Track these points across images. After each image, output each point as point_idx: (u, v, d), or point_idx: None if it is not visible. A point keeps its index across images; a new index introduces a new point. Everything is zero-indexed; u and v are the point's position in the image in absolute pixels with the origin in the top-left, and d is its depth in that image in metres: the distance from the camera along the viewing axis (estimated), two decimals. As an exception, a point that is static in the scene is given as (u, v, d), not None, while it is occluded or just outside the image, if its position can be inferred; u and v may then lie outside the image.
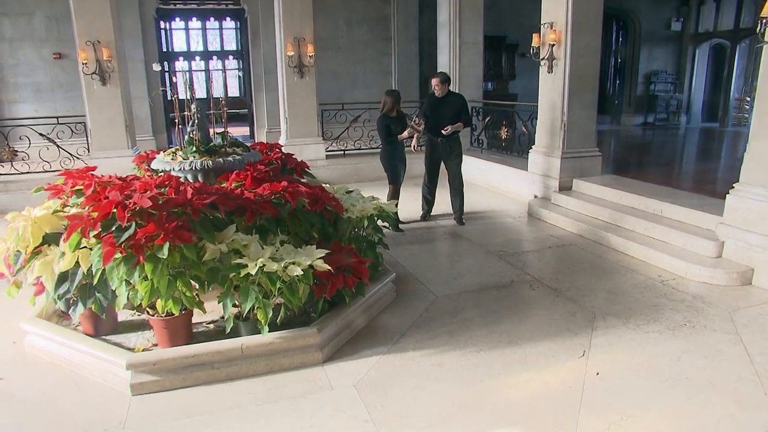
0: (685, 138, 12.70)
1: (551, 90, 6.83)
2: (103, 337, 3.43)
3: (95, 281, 3.02)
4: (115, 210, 2.82)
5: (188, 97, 3.88)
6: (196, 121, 3.89)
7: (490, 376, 3.13)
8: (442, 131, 5.94)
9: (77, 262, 2.98)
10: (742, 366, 3.17)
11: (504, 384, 3.06)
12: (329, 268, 3.15)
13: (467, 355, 3.35)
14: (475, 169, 8.71)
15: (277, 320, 3.18)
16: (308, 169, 5.10)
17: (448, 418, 2.74)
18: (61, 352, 3.27)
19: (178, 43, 21.46)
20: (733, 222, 4.63)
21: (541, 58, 6.87)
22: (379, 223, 4.26)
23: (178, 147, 4.04)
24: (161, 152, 4.07)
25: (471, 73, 9.49)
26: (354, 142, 9.58)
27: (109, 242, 2.73)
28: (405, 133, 5.88)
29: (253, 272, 2.89)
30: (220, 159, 3.80)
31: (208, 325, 3.60)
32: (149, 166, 4.34)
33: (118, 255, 2.76)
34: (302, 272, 2.99)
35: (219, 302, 3.10)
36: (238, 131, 14.71)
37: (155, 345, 3.32)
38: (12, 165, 8.06)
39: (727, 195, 4.70)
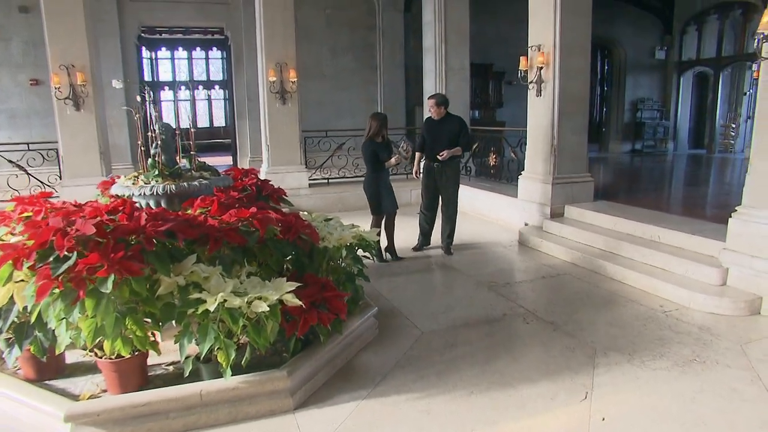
0: (674, 164, 12.61)
1: (540, 114, 6.63)
2: (47, 381, 3.03)
3: (33, 319, 2.64)
4: (53, 238, 2.47)
5: (152, 116, 3.58)
6: (160, 143, 3.58)
7: (483, 423, 2.77)
8: (438, 156, 5.60)
9: (11, 298, 2.61)
10: (764, 407, 2.83)
11: (499, 433, 2.70)
12: (300, 303, 2.80)
13: (457, 399, 2.99)
14: (464, 196, 8.36)
15: (243, 362, 2.82)
16: (285, 196, 4.78)
17: (435, 476, 2.37)
18: (-5, 401, 2.87)
19: (164, 73, 21.38)
20: (737, 247, 4.36)
21: (529, 81, 6.69)
22: (360, 252, 3.93)
23: (141, 171, 3.73)
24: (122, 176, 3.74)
25: (458, 99, 9.28)
26: (338, 171, 9.30)
27: (44, 274, 2.38)
28: (392, 160, 5.52)
29: (211, 308, 2.54)
30: (185, 183, 3.48)
31: (167, 368, 3.21)
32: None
33: (55, 289, 2.40)
34: (269, 308, 2.64)
35: (175, 342, 2.74)
36: (221, 161, 14.43)
37: (104, 391, 2.93)
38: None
39: (730, 219, 4.45)
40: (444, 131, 5.73)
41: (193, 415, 2.76)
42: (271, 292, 2.72)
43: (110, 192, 3.70)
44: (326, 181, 9.23)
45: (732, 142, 15.54)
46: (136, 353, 2.81)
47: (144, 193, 3.40)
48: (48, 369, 3.06)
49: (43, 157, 7.95)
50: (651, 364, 3.33)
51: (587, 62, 6.55)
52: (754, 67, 15.25)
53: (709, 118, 15.85)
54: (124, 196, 3.49)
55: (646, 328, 3.95)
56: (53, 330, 2.64)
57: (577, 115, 6.57)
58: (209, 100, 22.17)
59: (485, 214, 8.00)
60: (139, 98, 3.59)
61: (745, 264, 4.28)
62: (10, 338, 2.85)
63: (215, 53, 20.57)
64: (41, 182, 7.78)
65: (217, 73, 21.07)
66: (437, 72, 9.22)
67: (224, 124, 21.10)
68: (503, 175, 8.44)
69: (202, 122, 22.19)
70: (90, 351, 2.91)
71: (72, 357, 3.25)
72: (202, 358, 2.83)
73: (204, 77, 21.76)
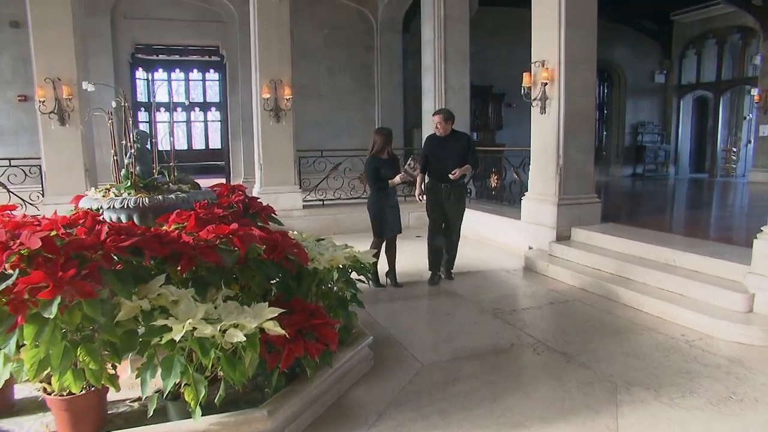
0: (678, 188, 12.34)
1: (544, 132, 6.35)
2: (-9, 421, 2.64)
3: (-31, 349, 2.27)
4: (-6, 254, 2.12)
5: (126, 123, 3.26)
6: (134, 152, 3.25)
7: (493, 473, 2.38)
8: (450, 175, 5.08)
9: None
10: (817, 457, 2.46)
11: (513, 486, 2.31)
12: (283, 332, 2.43)
13: (463, 444, 2.60)
14: (465, 219, 8.03)
15: (216, 399, 2.43)
16: (275, 214, 4.43)
17: None
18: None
19: (161, 95, 21.24)
20: (764, 271, 4.02)
21: (532, 98, 6.44)
22: (354, 276, 3.57)
23: (114, 183, 3.39)
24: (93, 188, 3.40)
25: (458, 119, 8.84)
26: (334, 192, 8.99)
27: (-23, 297, 2.02)
28: (397, 179, 5.09)
29: (177, 337, 2.17)
30: (160, 197, 3.14)
31: (131, 404, 2.81)
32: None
33: (-10, 314, 2.04)
34: (246, 338, 2.27)
35: (137, 377, 2.36)
36: (215, 182, 14.10)
37: (56, 433, 2.54)
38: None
39: (755, 241, 4.11)
40: (452, 149, 5.26)
41: (156, 463, 2.36)
42: (249, 320, 2.35)
43: (79, 206, 3.35)
44: (321, 202, 8.90)
45: (734, 166, 15.36)
46: (92, 389, 2.42)
47: (113, 206, 3.05)
48: (-7, 406, 2.67)
49: (26, 174, 7.62)
50: (681, 402, 2.95)
51: (593, 77, 6.31)
52: (754, 91, 15.22)
53: (710, 142, 15.70)
54: (92, 209, 3.15)
55: (669, 359, 3.58)
56: (-7, 361, 2.26)
57: (583, 133, 6.30)
58: (206, 122, 21.96)
59: (487, 237, 7.65)
60: (114, 104, 3.26)
61: (774, 289, 3.93)
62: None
63: (212, 75, 20.49)
64: (23, 200, 7.42)
65: (214, 96, 20.92)
66: (437, 91, 8.98)
67: (220, 146, 20.89)
68: (505, 196, 8.12)
69: (199, 144, 21.97)
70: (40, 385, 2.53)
71: (22, 392, 2.86)
72: (166, 394, 2.44)
73: (201, 99, 21.63)
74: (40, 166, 7.55)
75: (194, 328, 2.22)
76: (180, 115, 21.47)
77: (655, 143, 15.44)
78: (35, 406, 2.79)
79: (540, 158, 6.48)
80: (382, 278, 5.37)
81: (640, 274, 5.04)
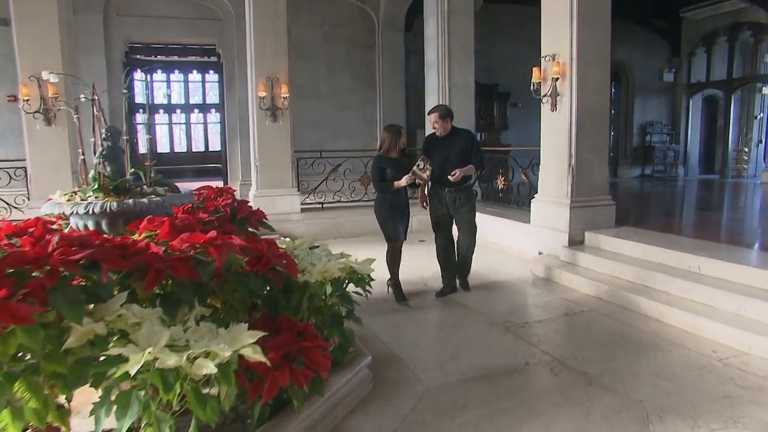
0: (690, 190, 11.93)
1: (556, 130, 5.98)
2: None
3: None
4: None
5: (95, 119, 2.90)
6: (104, 150, 2.89)
7: None
8: (449, 177, 4.64)
9: None
10: None
11: None
12: (264, 359, 2.07)
13: (475, 489, 2.23)
14: (469, 221, 7.74)
15: (187, 439, 2.07)
16: (266, 219, 4.08)
17: None
18: None
19: (159, 96, 20.96)
20: (805, 282, 3.64)
21: (542, 95, 6.07)
22: (351, 288, 3.20)
23: (82, 185, 3.04)
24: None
25: (463, 118, 8.62)
26: (333, 195, 8.62)
27: None
28: (403, 180, 4.59)
29: (132, 370, 1.81)
30: (130, 201, 2.78)
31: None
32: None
33: None
34: (218, 368, 1.91)
35: (90, 414, 1.99)
36: (212, 185, 13.75)
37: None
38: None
39: (794, 248, 3.74)
40: (452, 148, 4.81)
41: None
42: (223, 347, 1.98)
43: (42, 211, 3.00)
44: (320, 205, 8.53)
45: (745, 166, 14.93)
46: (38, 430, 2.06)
47: (77, 212, 2.69)
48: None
49: (11, 177, 7.27)
50: (725, 436, 2.58)
51: (607, 74, 5.93)
52: (766, 89, 14.81)
53: (720, 142, 15.29)
54: (55, 215, 2.80)
55: (704, 381, 3.20)
56: None
57: (597, 132, 5.92)
58: (205, 123, 21.65)
59: (494, 241, 7.27)
60: (83, 96, 2.91)
61: (817, 302, 3.55)
62: None
63: (212, 76, 20.19)
64: (7, 203, 7.09)
65: (214, 97, 20.61)
66: (440, 89, 8.61)
67: (219, 149, 20.58)
68: (512, 198, 7.75)
69: (198, 146, 21.66)
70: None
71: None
72: (125, 436, 2.08)
73: (200, 100, 21.33)
74: (25, 168, 7.21)
75: (156, 358, 1.86)
76: (179, 116, 21.20)
77: (663, 143, 15.04)
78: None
79: (551, 158, 6.11)
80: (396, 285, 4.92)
81: (661, 282, 4.67)
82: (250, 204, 4.26)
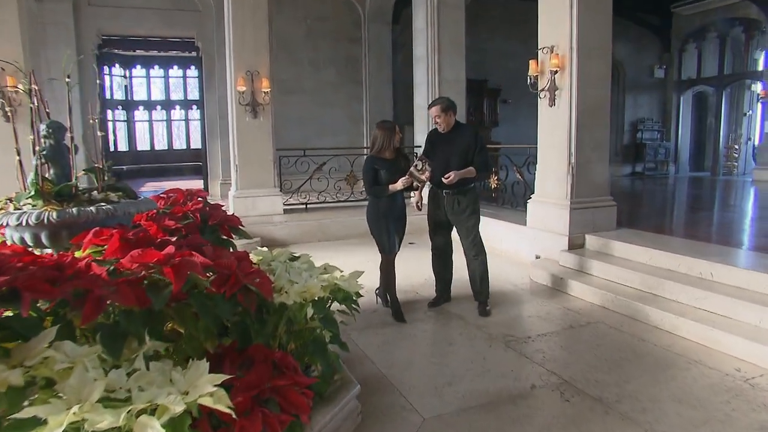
0: (684, 188, 11.71)
1: (554, 127, 5.63)
2: None
3: None
4: None
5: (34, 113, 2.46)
6: (43, 151, 2.46)
7: None
8: (443, 179, 4.14)
9: None
10: None
11: None
12: (229, 409, 1.67)
13: None
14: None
15: None
16: (241, 225, 3.66)
17: None
18: None
19: (140, 92, 20.32)
20: (837, 294, 3.32)
21: (540, 89, 5.71)
22: (336, 306, 2.80)
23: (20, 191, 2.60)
24: (-8, 199, 2.60)
25: (452, 115, 8.32)
26: (318, 195, 8.22)
27: None
28: (399, 183, 4.07)
29: (52, 439, 1.39)
30: (74, 210, 2.35)
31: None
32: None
33: None
34: (167, 428, 1.50)
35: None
36: (191, 185, 13.26)
37: None
38: None
39: (824, 256, 3.42)
40: (454, 146, 4.30)
41: None
42: (175, 398, 1.58)
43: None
44: (304, 206, 8.11)
45: (735, 164, 14.79)
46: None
47: (8, 223, 2.26)
48: None
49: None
50: (770, 480, 2.23)
51: (608, 67, 5.60)
52: (757, 86, 14.63)
53: (710, 139, 15.15)
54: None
55: (732, 406, 2.86)
56: None
57: (598, 128, 5.59)
58: (187, 120, 21.03)
59: (486, 244, 6.87)
60: (21, 87, 2.47)
61: None
62: None
63: (193, 72, 19.57)
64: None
65: (195, 93, 20.01)
66: (430, 84, 8.25)
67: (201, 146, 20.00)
68: (506, 199, 7.41)
69: (180, 144, 21.06)
70: None
71: None
72: None
73: (181, 97, 20.72)
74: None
75: (84, 419, 1.45)
76: (160, 113, 20.57)
77: (654, 141, 14.86)
78: None
79: (549, 156, 5.77)
80: (388, 301, 4.47)
81: (671, 290, 4.34)
82: (224, 208, 3.84)
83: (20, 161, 2.54)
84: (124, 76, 18.72)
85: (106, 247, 2.25)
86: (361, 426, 2.67)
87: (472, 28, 9.46)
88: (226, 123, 9.62)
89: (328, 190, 8.13)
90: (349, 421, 2.62)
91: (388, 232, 4.22)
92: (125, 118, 19.77)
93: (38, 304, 1.88)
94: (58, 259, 2.01)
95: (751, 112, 15.49)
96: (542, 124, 5.82)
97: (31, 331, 1.70)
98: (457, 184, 4.17)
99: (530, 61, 5.70)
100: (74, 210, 2.32)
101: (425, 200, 4.61)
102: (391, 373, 3.30)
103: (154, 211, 3.35)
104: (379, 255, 4.39)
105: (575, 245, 5.55)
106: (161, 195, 3.82)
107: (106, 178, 2.70)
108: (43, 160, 2.46)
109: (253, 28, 7.15)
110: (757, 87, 14.40)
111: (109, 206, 2.43)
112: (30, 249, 2.36)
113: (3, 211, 2.35)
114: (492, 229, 6.88)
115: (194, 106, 20.33)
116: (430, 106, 4.44)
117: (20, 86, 2.58)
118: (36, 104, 2.50)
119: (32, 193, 2.37)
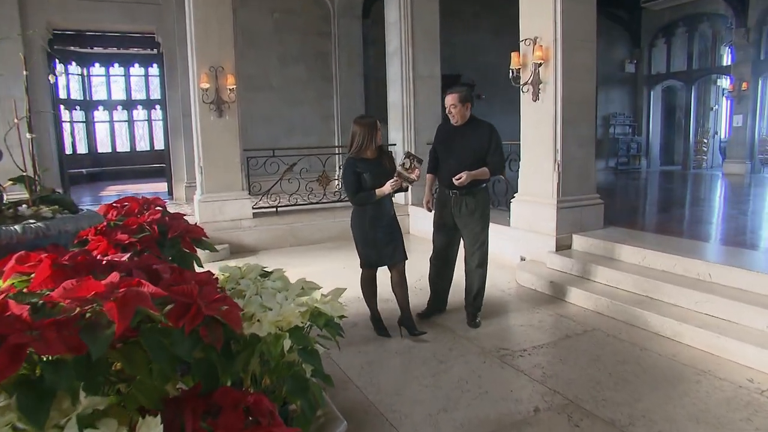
0: (660, 183, 11.69)
1: (538, 122, 5.37)
2: None
3: None
4: None
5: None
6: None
7: None
8: (453, 180, 3.79)
9: None
10: None
11: None
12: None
13: None
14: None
15: None
16: (206, 237, 3.25)
17: None
18: None
19: (100, 92, 19.43)
20: None
21: (522, 83, 5.44)
22: (317, 332, 2.42)
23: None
24: None
25: (428, 111, 8.02)
26: (289, 197, 7.80)
27: None
28: (387, 186, 3.62)
29: None
30: (-6, 228, 1.92)
31: None
32: None
33: None
34: None
35: None
36: (155, 188, 12.64)
37: None
38: None
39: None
40: (467, 143, 3.90)
41: None
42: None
43: None
44: (275, 209, 7.66)
45: (704, 158, 14.92)
46: None
47: None
48: None
49: None
50: None
51: (594, 59, 5.37)
52: (724, 81, 14.76)
53: (680, 133, 15.26)
54: None
55: (756, 426, 2.61)
56: None
57: (583, 124, 5.36)
58: (149, 120, 20.21)
59: (468, 245, 6.62)
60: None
61: None
62: None
63: (155, 70, 18.78)
64: None
65: (157, 92, 19.22)
66: (403, 80, 7.91)
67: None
68: (487, 198, 7.13)
69: (143, 145, 20.23)
70: None
71: None
72: None
73: (144, 96, 19.89)
74: None
75: None
76: (121, 114, 19.71)
77: (626, 135, 14.90)
78: None
79: (533, 153, 5.51)
80: (390, 323, 3.98)
81: (668, 293, 4.12)
82: (189, 213, 3.42)
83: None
84: (105, 75, 17.71)
85: (33, 275, 1.84)
86: (349, 468, 2.32)
87: (442, 22, 9.14)
88: (190, 122, 9.12)
89: (299, 192, 7.71)
90: (336, 464, 2.26)
91: (375, 244, 3.77)
92: (84, 119, 18.87)
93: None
94: (-33, 295, 1.60)
95: (717, 106, 15.67)
96: (525, 120, 5.55)
97: None
98: (467, 184, 3.81)
99: (512, 54, 5.42)
100: (-6, 230, 1.90)
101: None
102: (378, 399, 2.95)
103: (104, 224, 2.93)
104: (393, 277, 3.89)
105: (562, 246, 5.30)
106: (113, 204, 3.37)
107: (38, 188, 2.27)
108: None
109: (216, 22, 6.68)
110: (724, 82, 14.56)
111: (39, 224, 2.01)
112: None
113: None
114: (473, 230, 6.61)
115: (157, 106, 19.50)
116: (447, 93, 4.01)
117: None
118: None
119: (-59, 209, 1.93)
